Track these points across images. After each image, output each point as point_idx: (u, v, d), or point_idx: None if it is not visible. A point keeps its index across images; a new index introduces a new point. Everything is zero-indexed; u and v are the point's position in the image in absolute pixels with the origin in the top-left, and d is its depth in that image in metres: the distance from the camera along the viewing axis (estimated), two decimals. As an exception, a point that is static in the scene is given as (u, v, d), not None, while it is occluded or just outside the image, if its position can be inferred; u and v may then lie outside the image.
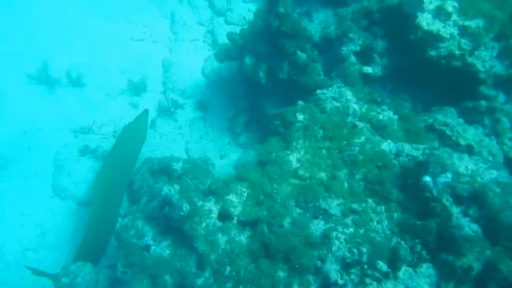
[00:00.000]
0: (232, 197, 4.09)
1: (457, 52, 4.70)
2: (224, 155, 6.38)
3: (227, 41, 7.35)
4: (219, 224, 3.99)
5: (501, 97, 4.99)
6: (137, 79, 6.64)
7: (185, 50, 7.37)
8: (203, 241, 3.91)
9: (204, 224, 3.98)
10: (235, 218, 3.99)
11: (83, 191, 5.50)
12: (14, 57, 6.17)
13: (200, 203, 4.09)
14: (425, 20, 4.75)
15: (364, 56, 5.36)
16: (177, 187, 4.04)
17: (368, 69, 5.25)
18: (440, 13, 4.74)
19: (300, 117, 4.78)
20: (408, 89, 5.41)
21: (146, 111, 5.59)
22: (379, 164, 4.21)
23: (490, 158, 4.46)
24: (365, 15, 5.54)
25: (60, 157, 5.59)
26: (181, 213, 3.90)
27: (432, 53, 4.73)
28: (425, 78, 5.18)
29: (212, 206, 4.07)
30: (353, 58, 5.35)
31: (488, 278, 3.29)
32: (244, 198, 4.13)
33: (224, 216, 4.05)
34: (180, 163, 5.35)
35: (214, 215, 4.03)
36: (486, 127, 4.71)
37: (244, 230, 4.00)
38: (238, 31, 7.50)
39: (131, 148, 5.27)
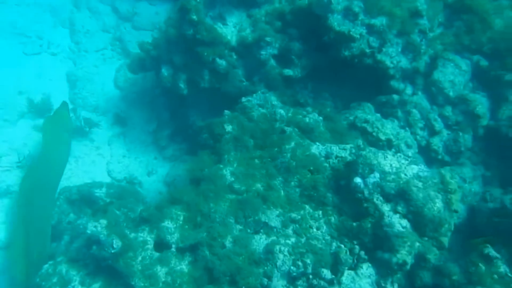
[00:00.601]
0: (167, 223, 3.85)
1: (367, 50, 4.94)
2: (152, 171, 6.01)
3: (138, 49, 7.01)
4: (156, 255, 3.73)
5: (409, 89, 5.39)
6: (38, 99, 5.90)
7: (91, 61, 6.77)
8: (140, 277, 3.62)
9: (139, 258, 3.69)
10: (173, 246, 3.77)
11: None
12: None
13: (133, 235, 3.79)
14: (336, 21, 4.90)
15: (283, 58, 5.39)
16: (103, 222, 3.68)
17: (288, 72, 5.30)
18: (348, 13, 4.91)
19: (228, 128, 4.66)
20: (328, 88, 5.59)
21: (64, 103, 5.42)
22: (311, 168, 4.28)
23: (407, 150, 4.81)
24: (278, 17, 5.56)
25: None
26: (112, 251, 3.57)
27: (346, 52, 4.91)
28: (342, 76, 5.39)
29: (146, 237, 3.79)
30: (272, 62, 5.34)
31: (418, 268, 3.56)
32: (181, 222, 3.91)
33: (161, 245, 3.80)
34: (104, 189, 4.92)
35: (150, 246, 3.76)
36: (400, 119, 5.06)
37: (184, 257, 3.79)
38: (149, 37, 7.21)
39: (59, 143, 5.02)
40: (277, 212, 4.00)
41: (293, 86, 5.53)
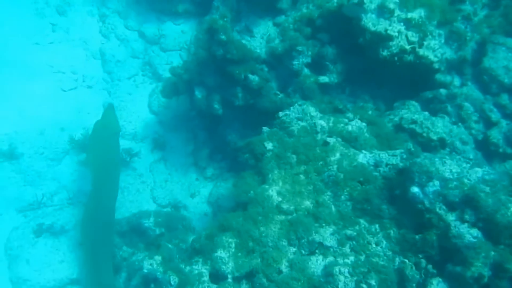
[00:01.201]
0: (220, 253, 3.76)
1: (407, 47, 4.65)
2: (195, 193, 5.98)
3: (167, 71, 7.03)
4: (213, 287, 3.65)
5: (457, 81, 5.04)
6: (79, 134, 6.03)
7: (125, 89, 6.84)
8: (201, 310, 3.56)
9: (197, 291, 3.63)
10: (229, 276, 3.67)
11: (48, 276, 4.89)
12: None
13: (188, 268, 3.73)
14: (370, 21, 4.66)
15: (317, 65, 5.21)
16: (158, 258, 3.66)
17: (324, 79, 5.10)
18: (383, 11, 4.66)
19: (269, 145, 4.52)
20: (367, 90, 5.33)
21: (111, 105, 5.46)
22: (361, 179, 4.07)
23: (462, 146, 4.48)
24: (307, 23, 5.38)
25: (12, 244, 4.93)
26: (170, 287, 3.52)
27: (384, 53, 4.65)
28: (381, 76, 5.12)
29: (201, 269, 3.72)
30: (306, 71, 5.17)
31: (496, 278, 3.25)
32: (233, 250, 3.81)
33: (217, 276, 3.72)
34: (152, 218, 4.93)
35: (206, 278, 3.69)
36: (451, 115, 4.73)
37: (240, 285, 3.69)
38: (177, 58, 7.26)
39: (109, 145, 5.06)
40: (331, 229, 3.83)
41: (329, 92, 5.32)
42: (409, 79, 4.99)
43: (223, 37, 4.81)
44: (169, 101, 6.40)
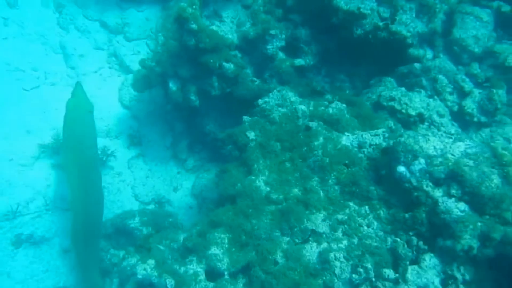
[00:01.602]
0: (214, 250, 3.72)
1: (380, 23, 4.63)
2: (177, 186, 5.88)
3: (135, 61, 6.73)
4: (211, 285, 3.62)
5: (429, 54, 5.10)
6: (49, 136, 5.71)
7: (92, 83, 6.49)
8: (200, 309, 3.54)
9: (195, 291, 3.59)
10: (225, 272, 3.65)
11: (33, 287, 4.72)
12: None
13: (183, 269, 3.67)
14: (343, 0, 4.57)
15: (291, 48, 5.12)
16: (151, 262, 3.58)
17: (299, 61, 5.03)
18: (355, -11, 4.58)
19: (251, 135, 4.46)
20: (342, 69, 5.32)
21: (79, 84, 5.24)
22: (347, 162, 4.09)
23: (440, 119, 4.58)
24: (277, 4, 5.25)
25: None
26: (167, 291, 3.47)
27: (358, 31, 4.61)
28: (356, 54, 5.11)
29: (196, 268, 3.67)
30: (281, 55, 5.07)
31: (483, 247, 3.39)
32: (226, 246, 3.78)
33: (212, 273, 3.69)
34: (137, 218, 4.80)
35: (202, 276, 3.64)
36: (426, 89, 4.80)
37: (237, 280, 3.69)
38: (143, 47, 6.95)
39: (84, 123, 4.95)
40: (322, 215, 3.85)
41: (306, 74, 5.27)
42: (383, 55, 5.00)
43: (193, 26, 4.61)
44: (141, 94, 6.15)
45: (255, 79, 5.10)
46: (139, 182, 5.79)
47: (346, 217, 3.77)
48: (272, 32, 4.93)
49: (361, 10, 4.47)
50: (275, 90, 4.71)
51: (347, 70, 5.27)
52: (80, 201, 4.48)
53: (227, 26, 5.74)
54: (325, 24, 4.93)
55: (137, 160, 5.96)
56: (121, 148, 6.00)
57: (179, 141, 6.00)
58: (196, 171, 6.04)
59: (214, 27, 5.50)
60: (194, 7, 4.75)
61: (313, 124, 4.42)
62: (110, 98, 6.45)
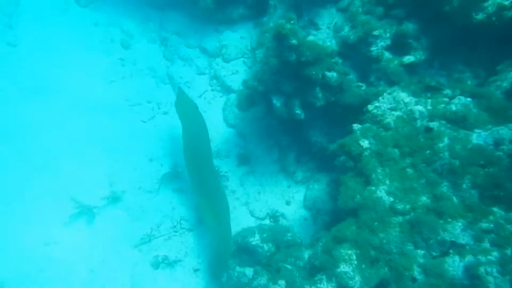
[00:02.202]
0: (343, 267, 3.61)
1: (505, 2, 4.07)
2: (289, 199, 5.89)
3: (235, 81, 7.00)
4: (344, 304, 3.52)
5: None
6: (168, 164, 6.22)
7: (199, 107, 6.90)
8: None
9: (328, 310, 3.52)
10: (359, 291, 3.51)
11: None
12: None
13: None
14: (455, -15, 4.14)
15: (398, 45, 4.79)
16: (282, 283, 3.61)
17: (409, 59, 4.69)
18: (468, -29, 4.12)
19: (365, 144, 4.26)
20: (458, 58, 4.81)
21: (179, 88, 6.11)
22: (482, 162, 3.66)
23: None
24: (377, 2, 4.97)
25: (136, 280, 5.21)
26: (301, 311, 3.45)
27: (479, 16, 4.12)
28: (473, 40, 4.58)
29: (327, 286, 3.60)
30: (387, 54, 4.79)
31: None
32: (355, 262, 3.64)
33: (345, 292, 3.58)
34: (257, 236, 4.91)
35: (334, 295, 3.56)
36: None
37: (372, 298, 3.52)
38: (241, 65, 7.18)
39: (195, 117, 5.72)
40: (460, 224, 3.49)
41: (416, 70, 4.89)
42: (509, 36, 4.39)
43: (294, 41, 4.59)
44: (245, 112, 6.35)
45: (360, 84, 4.89)
46: (252, 198, 5.95)
47: (492, 225, 3.36)
48: (376, 33, 4.69)
49: (480, -8, 4.00)
50: (385, 93, 4.45)
51: (465, 59, 4.74)
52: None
53: (324, 33, 5.64)
54: (435, 14, 4.52)
55: (247, 176, 6.13)
56: (231, 167, 6.24)
57: (286, 154, 6.02)
58: (305, 182, 5.99)
59: (311, 37, 5.46)
60: (292, 22, 4.75)
61: (434, 125, 4.07)
62: (216, 119, 6.78)
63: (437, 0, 4.33)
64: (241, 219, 5.79)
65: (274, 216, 5.76)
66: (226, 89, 7.03)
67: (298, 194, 5.95)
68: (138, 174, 6.16)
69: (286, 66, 4.88)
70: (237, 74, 7.05)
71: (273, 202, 5.91)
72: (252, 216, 5.85)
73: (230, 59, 7.17)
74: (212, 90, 7.14)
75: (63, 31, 7.15)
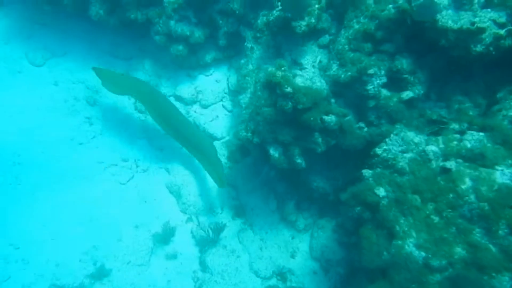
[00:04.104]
0: None
1: (501, 32, 3.97)
2: (294, 251, 5.47)
3: (217, 128, 6.58)
4: None
5: None
6: (156, 225, 5.62)
7: (180, 160, 6.40)
8: None
9: None
10: None
11: None
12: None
13: None
14: (450, 19, 4.01)
15: (394, 81, 4.58)
16: None
17: (408, 94, 4.48)
18: (461, 3, 4.00)
19: (381, 192, 3.95)
20: (454, 87, 4.66)
21: (94, 68, 6.07)
22: (513, 203, 3.43)
23: None
24: (364, 39, 4.77)
25: None
26: None
27: (478, 48, 3.98)
28: (469, 68, 4.46)
29: None
30: (385, 92, 4.56)
31: None
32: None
33: None
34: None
35: None
36: None
37: None
38: (221, 110, 6.78)
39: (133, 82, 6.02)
40: (506, 278, 3.19)
41: (414, 103, 4.69)
42: (506, 63, 4.30)
43: (289, 89, 4.27)
44: (230, 156, 5.91)
45: (362, 125, 4.62)
46: (254, 256, 5.47)
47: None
48: (371, 71, 4.46)
49: (478, 25, 3.87)
50: (392, 134, 4.19)
51: (461, 87, 4.60)
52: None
53: (310, 72, 5.35)
54: (427, 46, 4.37)
55: (246, 232, 5.66)
56: (227, 222, 5.74)
57: (285, 202, 5.63)
58: (309, 230, 5.61)
59: (298, 78, 5.18)
60: (283, 69, 4.45)
61: (450, 165, 3.82)
62: (202, 171, 6.28)
63: (430, 34, 4.17)
64: (246, 281, 5.28)
65: (281, 273, 5.31)
66: (209, 137, 6.57)
67: (302, 244, 5.54)
68: (125, 246, 5.51)
69: (281, 114, 4.54)
70: (218, 119, 6.64)
71: (277, 257, 5.46)
72: (258, 277, 5.36)
73: (208, 104, 6.77)
74: (197, 139, 6.66)
75: (19, 96, 6.45)
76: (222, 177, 5.29)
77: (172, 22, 6.19)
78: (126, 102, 6.91)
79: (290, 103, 4.37)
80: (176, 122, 5.67)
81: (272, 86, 4.41)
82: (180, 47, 6.35)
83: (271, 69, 4.42)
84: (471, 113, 4.43)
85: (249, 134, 4.86)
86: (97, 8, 6.23)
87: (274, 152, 4.76)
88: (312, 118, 4.45)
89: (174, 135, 5.71)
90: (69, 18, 6.74)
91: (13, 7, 7.08)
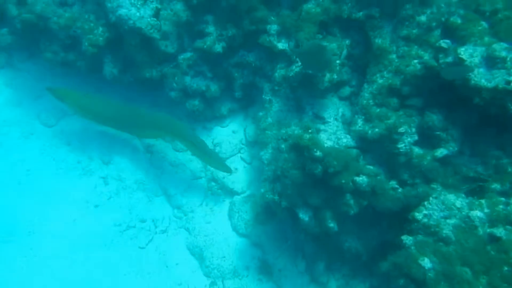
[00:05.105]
0: None
1: (539, 86, 3.81)
2: (329, 315, 5.17)
3: (236, 181, 6.38)
4: None
5: None
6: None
7: (201, 218, 6.18)
8: None
9: None
10: None
11: None
12: None
13: None
14: (483, 78, 3.86)
15: (426, 137, 4.41)
16: None
17: (442, 152, 4.29)
18: (494, 62, 3.86)
19: (426, 263, 3.69)
20: (488, 141, 4.47)
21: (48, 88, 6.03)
22: None
23: None
24: (390, 93, 4.65)
25: None
26: None
27: (515, 105, 3.82)
28: (503, 121, 4.28)
29: None
30: (417, 150, 4.37)
31: None
32: None
33: None
34: None
35: None
36: None
37: None
38: (238, 162, 6.60)
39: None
40: None
41: (447, 160, 4.50)
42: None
43: (318, 153, 4.11)
44: (256, 217, 5.69)
45: (395, 184, 4.41)
46: (287, 324, 5.17)
47: None
48: (401, 130, 4.29)
49: (513, 84, 3.73)
50: (431, 198, 3.98)
51: (496, 141, 4.42)
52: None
53: (333, 126, 5.22)
54: (458, 100, 4.22)
55: (275, 296, 5.38)
56: (254, 285, 5.46)
57: (314, 263, 5.37)
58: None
59: (321, 134, 5.02)
60: (310, 131, 4.29)
61: (500, 233, 3.59)
62: (223, 229, 6.05)
63: (461, 91, 4.02)
64: None
65: None
66: (228, 192, 6.37)
67: (336, 306, 5.24)
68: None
69: (310, 177, 4.35)
70: (237, 172, 6.44)
71: (310, 321, 5.15)
72: None
73: (226, 157, 6.58)
74: (212, 194, 6.46)
75: (33, 159, 6.30)
76: (224, 164, 5.65)
77: (187, 78, 6.12)
78: (142, 158, 6.75)
79: (320, 167, 4.19)
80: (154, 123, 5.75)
81: (299, 149, 4.25)
82: (196, 102, 6.25)
83: (297, 132, 4.27)
84: (510, 169, 4.23)
85: (276, 197, 4.66)
86: (110, 68, 6.16)
87: (303, 216, 4.55)
88: (343, 181, 4.26)
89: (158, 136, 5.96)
90: (81, 77, 6.66)
91: (24, 68, 7.04)
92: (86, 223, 5.95)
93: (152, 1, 5.64)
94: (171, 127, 5.75)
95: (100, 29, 5.82)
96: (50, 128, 6.68)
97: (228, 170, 5.75)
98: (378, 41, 4.75)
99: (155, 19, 5.61)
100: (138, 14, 5.49)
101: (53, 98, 6.83)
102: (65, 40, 5.79)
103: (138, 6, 5.54)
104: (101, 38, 5.77)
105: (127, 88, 6.86)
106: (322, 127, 5.22)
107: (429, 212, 3.93)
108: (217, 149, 6.59)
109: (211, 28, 5.78)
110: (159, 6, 5.70)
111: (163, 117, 5.98)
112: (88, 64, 6.14)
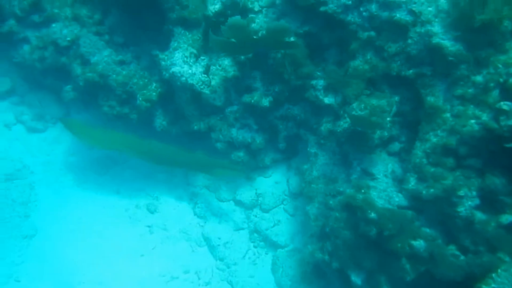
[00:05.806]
0: None
1: None
2: None
3: (279, 234, 6.30)
4: None
5: None
6: None
7: (244, 272, 6.08)
8: None
9: None
10: None
11: None
12: None
13: None
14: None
15: (487, 202, 4.21)
16: None
17: (508, 218, 4.05)
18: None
19: None
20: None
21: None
22: None
23: None
24: (444, 153, 4.50)
25: None
26: None
27: None
28: None
29: None
30: (479, 215, 4.16)
31: None
32: None
33: None
34: None
35: None
36: None
37: None
38: (281, 213, 6.54)
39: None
40: None
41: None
42: None
43: (373, 215, 4.00)
44: (303, 275, 5.52)
45: (454, 249, 4.19)
46: None
47: None
48: (461, 193, 4.13)
49: None
50: (499, 270, 3.73)
51: None
52: None
53: (383, 183, 5.07)
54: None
55: None
56: None
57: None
58: None
59: (372, 192, 4.90)
60: (363, 191, 4.22)
61: None
62: (267, 283, 5.92)
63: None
64: None
65: None
66: (271, 244, 6.29)
67: None
68: None
69: (363, 239, 4.22)
70: (280, 224, 6.38)
71: None
72: None
73: (269, 208, 6.55)
74: (255, 247, 6.40)
75: (83, 206, 6.53)
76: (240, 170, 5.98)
77: (233, 130, 6.24)
78: (187, 208, 6.83)
79: (374, 229, 4.07)
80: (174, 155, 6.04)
81: (352, 209, 4.16)
82: (241, 154, 6.33)
83: (349, 191, 4.20)
84: None
85: (327, 257, 4.54)
86: (161, 120, 6.41)
87: (356, 279, 4.37)
88: (399, 245, 4.10)
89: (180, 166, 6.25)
90: (132, 128, 6.97)
91: (78, 118, 7.45)
92: (131, 273, 6.00)
93: (204, 59, 5.92)
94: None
95: (154, 84, 6.13)
96: (101, 177, 6.93)
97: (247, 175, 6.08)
98: (431, 99, 4.68)
99: (205, 75, 5.86)
100: (190, 71, 5.77)
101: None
102: (122, 95, 6.13)
103: (190, 63, 5.83)
104: (154, 93, 6.07)
105: (174, 140, 7.10)
106: (371, 183, 5.10)
107: (498, 286, 3.68)
108: (260, 199, 6.59)
109: (258, 84, 5.94)
110: (209, 63, 5.97)
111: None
112: (141, 117, 6.42)
